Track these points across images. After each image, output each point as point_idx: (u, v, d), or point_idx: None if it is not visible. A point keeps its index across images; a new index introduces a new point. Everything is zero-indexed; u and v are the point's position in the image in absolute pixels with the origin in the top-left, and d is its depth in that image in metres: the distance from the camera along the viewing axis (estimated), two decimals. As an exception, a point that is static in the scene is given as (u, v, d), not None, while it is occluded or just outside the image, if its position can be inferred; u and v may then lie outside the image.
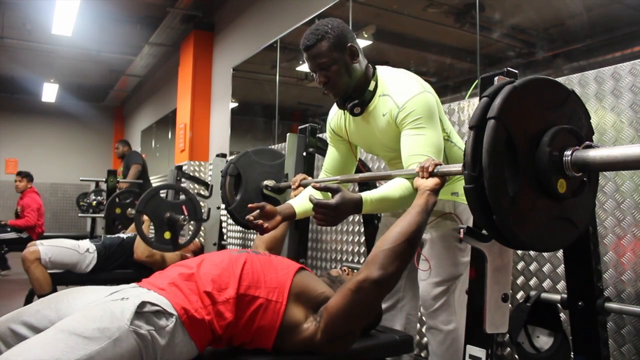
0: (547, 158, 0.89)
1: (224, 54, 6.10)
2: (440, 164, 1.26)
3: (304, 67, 5.02)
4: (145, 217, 3.00)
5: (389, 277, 1.18)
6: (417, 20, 3.83)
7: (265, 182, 2.32)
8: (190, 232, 3.09)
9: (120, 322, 1.08)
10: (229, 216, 4.07)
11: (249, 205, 1.55)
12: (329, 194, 1.36)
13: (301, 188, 1.84)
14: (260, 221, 1.51)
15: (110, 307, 1.13)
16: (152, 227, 3.12)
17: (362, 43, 4.01)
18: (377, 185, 2.19)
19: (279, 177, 2.44)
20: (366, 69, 1.55)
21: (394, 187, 1.40)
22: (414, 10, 3.78)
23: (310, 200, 1.35)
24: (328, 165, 1.81)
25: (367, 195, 1.37)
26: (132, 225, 3.70)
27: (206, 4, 6.09)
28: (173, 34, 6.73)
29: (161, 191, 3.16)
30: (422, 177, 1.27)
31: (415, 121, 1.42)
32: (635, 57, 1.85)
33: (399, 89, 1.48)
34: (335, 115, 1.73)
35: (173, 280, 1.27)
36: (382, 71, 1.58)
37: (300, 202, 1.69)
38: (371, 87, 1.53)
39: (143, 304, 1.14)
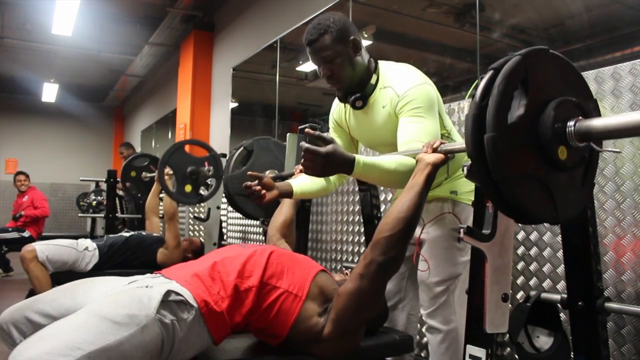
0: (552, 121, 0.89)
1: (224, 54, 6.10)
2: (445, 143, 1.26)
3: (304, 67, 5.02)
4: (166, 175, 3.08)
5: (392, 260, 1.23)
6: (417, 20, 3.83)
7: (267, 172, 2.33)
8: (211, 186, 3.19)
9: (147, 310, 1.11)
10: (228, 210, 4.10)
11: (248, 172, 1.57)
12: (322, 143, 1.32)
13: (302, 174, 1.85)
14: (259, 187, 1.51)
15: (137, 294, 1.15)
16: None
17: (362, 43, 4.00)
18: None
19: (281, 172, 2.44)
20: (368, 63, 1.57)
21: (390, 159, 1.38)
22: (414, 10, 3.78)
23: (301, 145, 1.32)
24: None
25: (360, 158, 1.34)
26: (149, 202, 3.67)
27: (206, 4, 6.09)
28: (173, 34, 6.73)
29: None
30: (425, 152, 1.27)
31: (414, 109, 1.42)
32: (635, 57, 1.85)
33: (400, 80, 1.49)
34: (337, 107, 1.74)
35: (196, 272, 1.28)
36: (384, 65, 1.59)
37: (299, 182, 1.70)
38: (373, 80, 1.54)
39: (168, 292, 1.17)
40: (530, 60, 0.90)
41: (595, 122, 0.88)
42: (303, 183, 1.72)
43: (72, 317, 1.08)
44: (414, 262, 1.57)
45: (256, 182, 1.53)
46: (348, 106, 1.63)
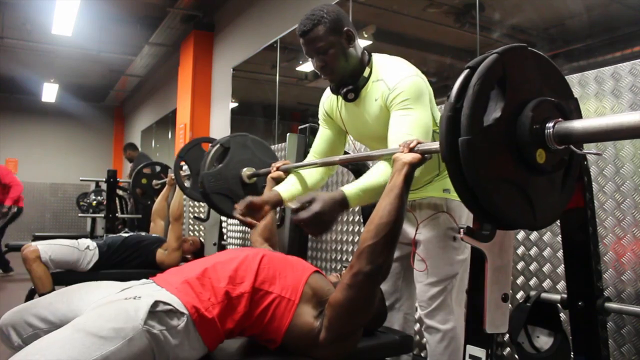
0: (530, 123, 0.85)
1: (224, 54, 6.10)
2: (422, 142, 1.23)
3: (304, 67, 5.02)
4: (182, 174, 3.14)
5: (380, 269, 1.19)
6: (417, 20, 3.83)
7: (245, 169, 2.31)
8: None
9: (134, 322, 1.10)
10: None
11: (235, 205, 1.58)
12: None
13: (279, 172, 1.86)
14: (249, 220, 1.56)
15: (124, 306, 1.14)
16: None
17: (362, 43, 4.01)
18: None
19: (259, 169, 2.40)
20: (362, 55, 1.56)
21: (377, 174, 1.38)
22: (414, 10, 3.79)
23: (293, 220, 1.35)
24: (318, 147, 1.81)
25: (349, 189, 1.35)
26: (156, 205, 3.70)
27: (206, 4, 6.09)
28: (173, 34, 6.73)
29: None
30: (402, 152, 1.24)
31: (404, 102, 1.42)
32: (635, 57, 1.85)
33: (391, 73, 1.49)
34: (329, 98, 1.74)
35: (186, 278, 1.27)
36: (378, 58, 1.59)
37: (287, 187, 1.72)
38: (366, 73, 1.54)
39: (156, 303, 1.15)
40: (508, 58, 0.86)
41: (576, 124, 0.84)
42: (291, 188, 1.73)
43: (58, 332, 1.08)
44: (411, 263, 1.57)
45: (243, 209, 1.56)
46: (340, 98, 1.63)
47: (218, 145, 2.31)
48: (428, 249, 1.57)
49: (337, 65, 1.52)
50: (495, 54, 0.85)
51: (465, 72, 0.86)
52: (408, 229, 1.63)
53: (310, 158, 1.83)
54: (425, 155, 1.22)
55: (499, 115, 0.84)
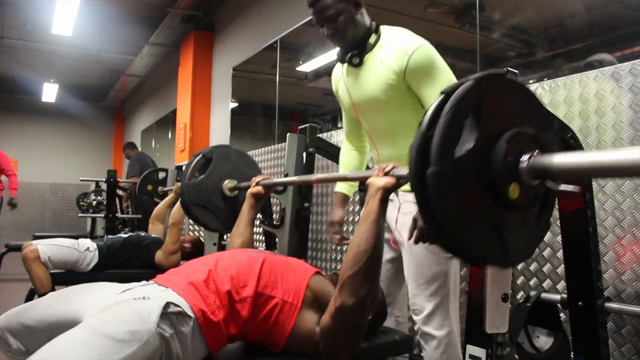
0: (503, 155, 0.80)
1: (224, 54, 6.10)
2: (397, 167, 1.22)
3: (304, 67, 5.02)
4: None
5: (364, 300, 1.16)
6: (417, 20, 3.83)
7: (227, 181, 2.29)
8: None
9: (148, 324, 1.09)
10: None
11: (334, 233, 1.79)
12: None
13: (259, 188, 1.90)
14: (346, 240, 1.72)
15: (136, 307, 1.13)
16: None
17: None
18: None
19: (241, 181, 2.40)
20: (370, 23, 1.60)
21: None
22: (414, 10, 3.78)
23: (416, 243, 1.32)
24: (346, 128, 1.89)
25: None
26: (158, 209, 3.70)
27: (206, 4, 6.09)
28: (173, 34, 6.73)
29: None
30: (376, 176, 1.23)
31: (428, 69, 1.47)
32: (635, 57, 1.85)
33: (404, 37, 1.54)
34: (334, 75, 1.79)
35: (191, 280, 1.26)
36: (385, 27, 1.63)
37: (344, 186, 1.86)
38: (372, 40, 1.58)
39: (167, 304, 1.15)
40: (485, 85, 0.81)
41: (553, 159, 0.77)
42: (349, 182, 1.85)
43: (72, 334, 1.05)
44: (392, 243, 1.58)
45: (339, 232, 1.77)
46: (344, 68, 1.66)
47: (200, 155, 2.31)
48: (413, 251, 1.55)
49: (347, 31, 1.55)
50: (470, 81, 0.81)
51: (440, 98, 0.81)
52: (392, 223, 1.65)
53: (345, 141, 1.91)
54: (400, 180, 1.20)
55: (471, 146, 0.78)
